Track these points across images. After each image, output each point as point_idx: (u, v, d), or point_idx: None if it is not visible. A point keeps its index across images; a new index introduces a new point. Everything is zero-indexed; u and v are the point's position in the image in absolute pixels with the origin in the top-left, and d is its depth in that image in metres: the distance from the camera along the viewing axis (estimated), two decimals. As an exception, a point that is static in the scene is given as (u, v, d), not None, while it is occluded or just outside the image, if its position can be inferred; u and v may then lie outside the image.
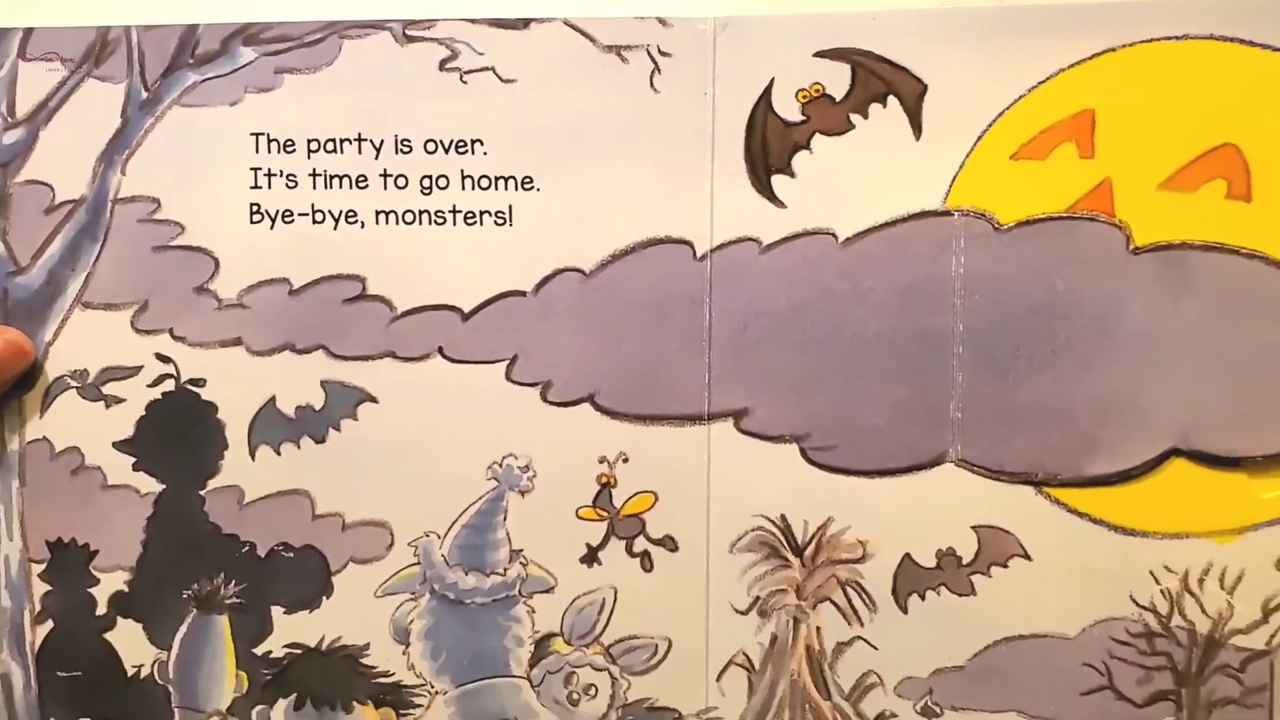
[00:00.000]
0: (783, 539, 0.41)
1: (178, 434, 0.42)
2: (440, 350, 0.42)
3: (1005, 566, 0.40)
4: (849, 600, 0.41)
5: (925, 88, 0.40)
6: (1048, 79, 0.40)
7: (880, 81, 0.40)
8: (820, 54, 0.40)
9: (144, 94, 0.42)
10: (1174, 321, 0.39)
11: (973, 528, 0.40)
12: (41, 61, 0.42)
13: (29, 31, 0.42)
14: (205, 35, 0.42)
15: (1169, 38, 0.39)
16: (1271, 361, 0.39)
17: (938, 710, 0.41)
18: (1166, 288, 0.39)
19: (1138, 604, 0.40)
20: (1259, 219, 0.39)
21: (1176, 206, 0.39)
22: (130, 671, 0.43)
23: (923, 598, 0.40)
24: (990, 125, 0.40)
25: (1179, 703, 0.40)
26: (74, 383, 0.42)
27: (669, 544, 0.41)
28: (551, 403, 0.41)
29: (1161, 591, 0.39)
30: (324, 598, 0.42)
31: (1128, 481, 0.39)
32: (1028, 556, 0.40)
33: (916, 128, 0.40)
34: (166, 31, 0.42)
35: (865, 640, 0.41)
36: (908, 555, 0.40)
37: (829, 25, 0.40)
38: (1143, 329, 0.39)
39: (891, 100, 0.40)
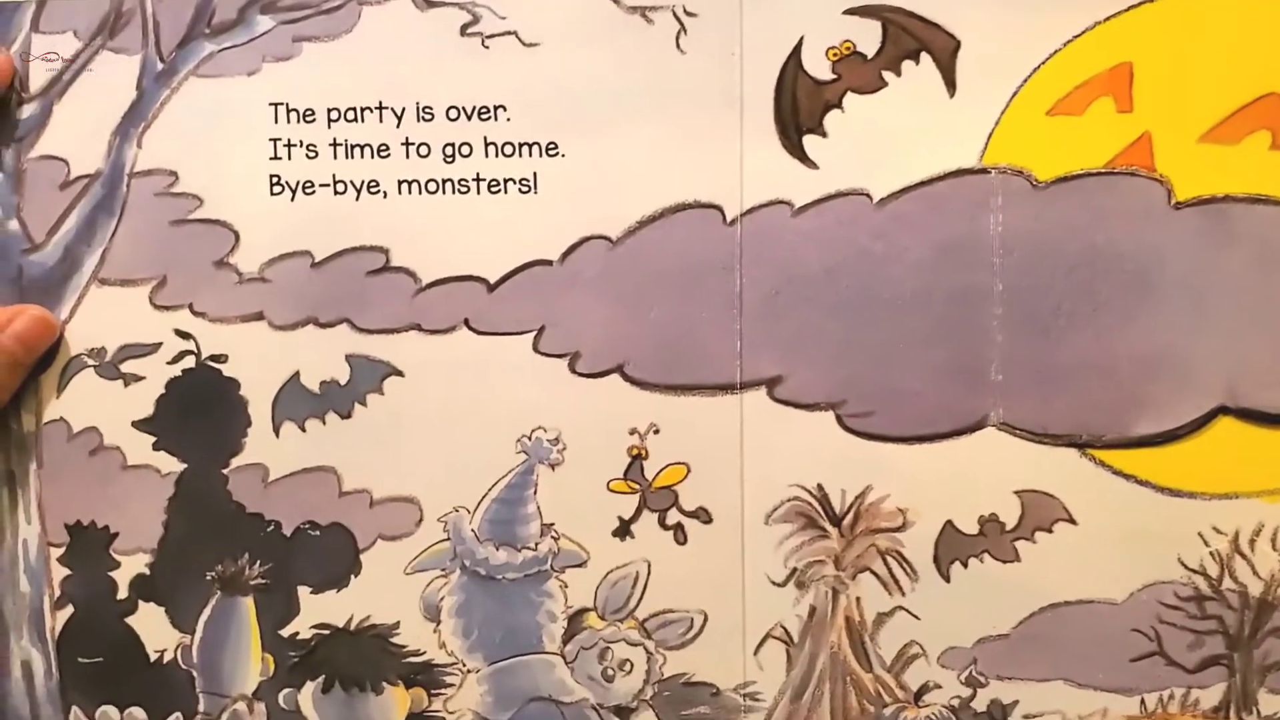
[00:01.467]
0: (820, 509, 0.40)
1: (199, 412, 0.42)
2: (466, 322, 0.41)
3: (1050, 531, 0.40)
4: (889, 570, 0.40)
5: (958, 43, 0.40)
6: (1084, 32, 0.39)
7: (912, 38, 0.40)
8: (850, 11, 0.40)
9: (159, 65, 0.42)
10: (1218, 276, 0.39)
11: (1015, 492, 0.40)
12: (54, 35, 0.42)
13: (42, 4, 0.42)
14: (221, 4, 0.42)
15: None
16: None
17: (983, 680, 0.40)
18: (1210, 242, 0.39)
19: (1187, 567, 0.39)
20: None
21: (1218, 159, 0.39)
22: (153, 656, 0.42)
23: (965, 565, 0.40)
24: (1026, 81, 0.39)
25: (1231, 667, 0.39)
26: (91, 361, 0.42)
27: (703, 516, 0.41)
28: (580, 374, 0.41)
29: (1211, 554, 0.39)
30: (352, 576, 0.42)
31: (1174, 441, 0.39)
32: (1073, 521, 0.39)
33: (950, 84, 0.40)
34: (182, 1, 0.42)
35: (907, 610, 0.40)
36: (949, 522, 0.40)
37: None
38: (1186, 284, 0.39)
39: (924, 57, 0.40)
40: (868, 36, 0.40)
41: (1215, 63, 0.39)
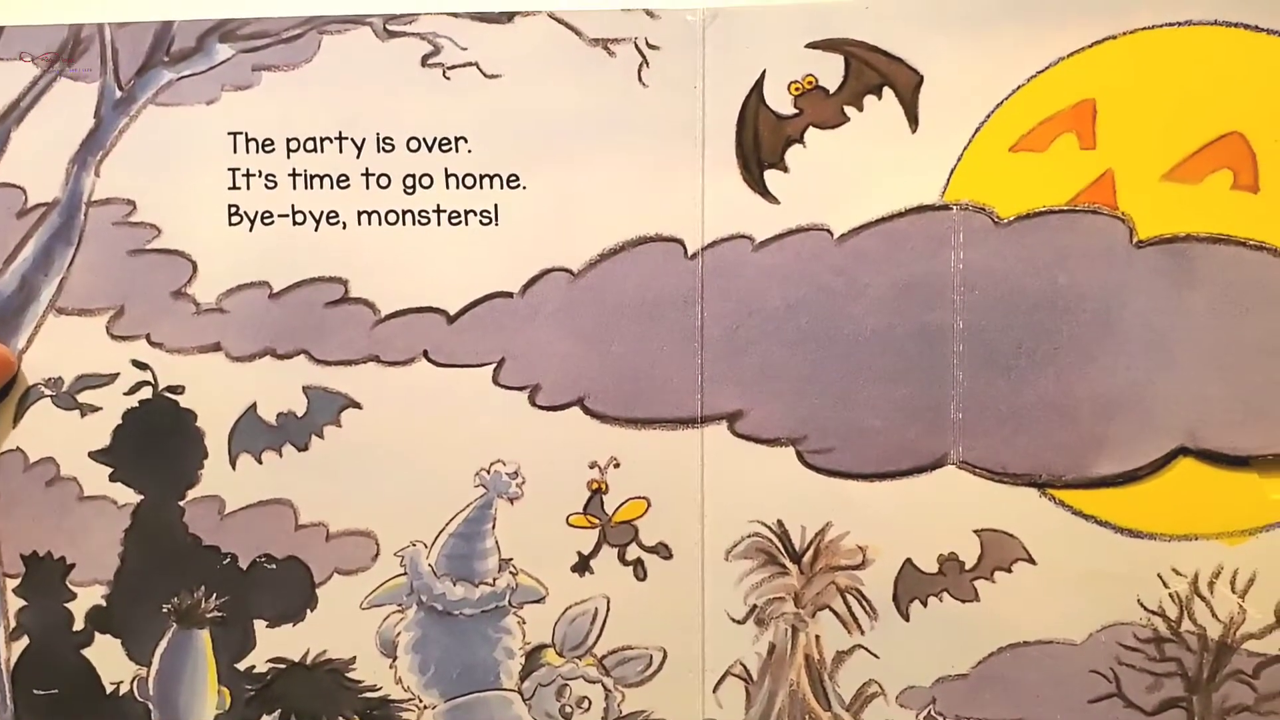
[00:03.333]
0: (780, 545, 0.41)
1: (156, 443, 0.42)
2: (425, 354, 0.41)
3: (1009, 571, 0.40)
4: (849, 607, 0.40)
5: (921, 78, 0.40)
6: (1047, 68, 0.39)
7: (875, 72, 0.40)
8: (812, 45, 0.40)
9: (118, 93, 0.42)
10: (1179, 316, 0.39)
11: (975, 531, 0.40)
12: (11, 62, 0.42)
13: None
14: (180, 32, 0.42)
15: (1172, 24, 0.39)
16: (1279, 356, 0.38)
17: None
18: (1171, 281, 0.39)
19: (1146, 608, 0.39)
20: (1266, 210, 0.38)
21: (1181, 198, 0.39)
22: (109, 688, 0.42)
23: (925, 604, 0.40)
24: (988, 117, 0.40)
25: (1190, 710, 0.39)
26: (48, 391, 0.42)
27: (663, 551, 0.41)
28: (540, 407, 0.41)
29: (1170, 595, 0.39)
30: (308, 610, 0.42)
31: (1134, 482, 0.39)
32: (1032, 560, 0.39)
33: (913, 120, 0.40)
34: (140, 28, 0.42)
35: (866, 649, 0.40)
36: (909, 560, 0.40)
37: (821, 15, 0.40)
38: (1147, 324, 0.39)
39: (886, 92, 0.40)
40: (830, 71, 0.40)
41: (1178, 100, 0.39)
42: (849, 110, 0.40)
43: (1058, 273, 0.39)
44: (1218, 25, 0.38)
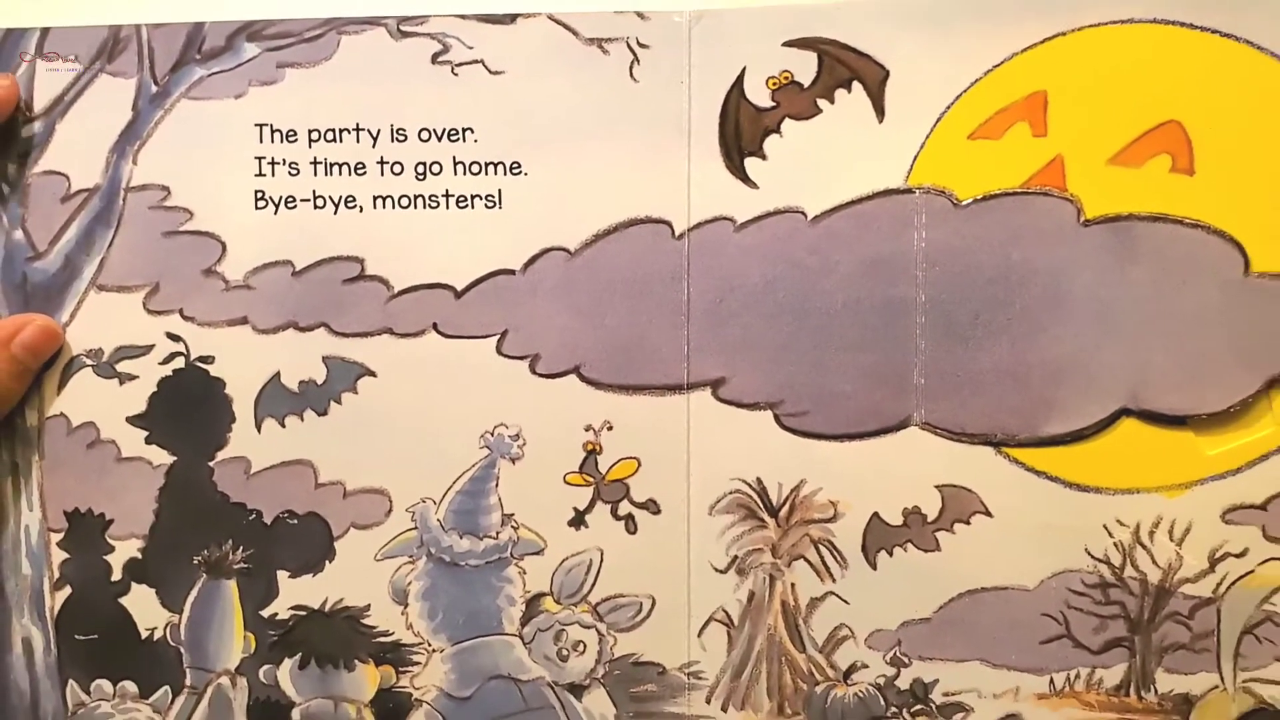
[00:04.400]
0: (759, 501, 0.43)
1: (188, 409, 0.44)
2: (435, 326, 0.43)
3: (967, 523, 0.42)
4: (821, 558, 0.43)
5: (887, 73, 0.42)
6: (1002, 63, 0.41)
7: (845, 68, 0.42)
8: (788, 43, 0.42)
9: (154, 88, 0.44)
10: (1122, 289, 0.41)
11: (936, 487, 0.42)
12: (57, 60, 0.44)
13: (45, 31, 0.44)
14: (211, 32, 0.44)
15: (1116, 22, 0.41)
16: (1214, 325, 0.40)
17: (906, 660, 0.42)
18: (1115, 257, 0.41)
19: (1092, 556, 0.41)
20: (1201, 191, 0.40)
21: (1124, 181, 0.41)
22: (144, 634, 0.44)
23: (890, 554, 0.42)
24: (949, 107, 0.42)
25: (1132, 648, 0.41)
26: (89, 361, 0.44)
27: (652, 507, 0.43)
28: (540, 374, 0.43)
29: (1114, 544, 0.41)
30: (327, 562, 0.44)
31: (1081, 440, 0.41)
32: (988, 513, 0.41)
33: (879, 111, 0.42)
34: (174, 29, 0.44)
35: (837, 595, 0.43)
36: (876, 514, 0.42)
37: (796, 16, 0.42)
38: (1093, 296, 0.41)
39: (856, 85, 0.42)
40: (804, 67, 0.42)
41: (1122, 91, 0.41)
42: (821, 103, 0.42)
43: (1011, 250, 0.41)
44: (1158, 23, 0.40)
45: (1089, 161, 0.41)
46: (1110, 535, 0.41)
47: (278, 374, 0.44)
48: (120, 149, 0.44)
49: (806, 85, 0.42)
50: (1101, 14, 0.41)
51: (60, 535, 0.44)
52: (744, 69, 0.43)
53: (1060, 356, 0.41)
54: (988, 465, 0.42)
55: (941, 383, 0.42)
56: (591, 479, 0.43)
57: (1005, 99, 0.41)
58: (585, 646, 0.44)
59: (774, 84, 0.42)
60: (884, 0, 0.42)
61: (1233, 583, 0.41)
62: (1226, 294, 0.40)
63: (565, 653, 0.44)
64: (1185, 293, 0.40)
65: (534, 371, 0.43)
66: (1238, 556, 0.41)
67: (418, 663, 0.44)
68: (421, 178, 0.43)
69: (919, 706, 0.42)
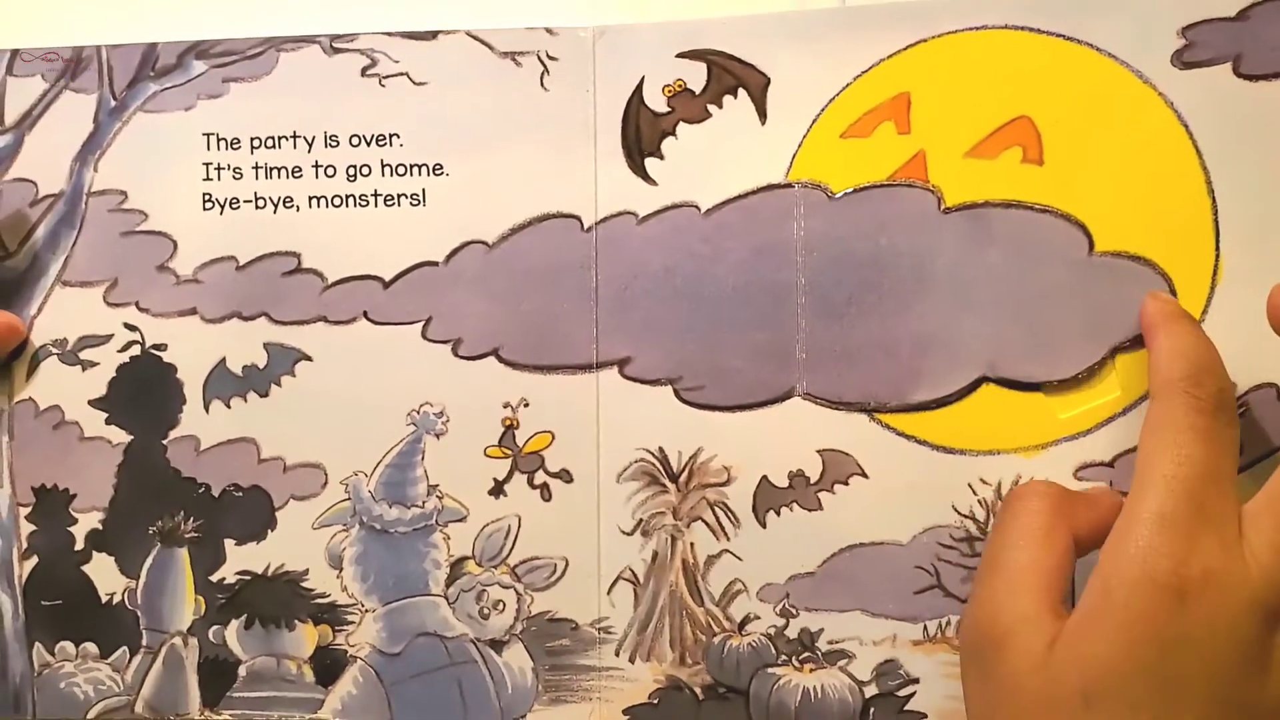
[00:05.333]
0: (661, 468, 0.45)
1: (143, 392, 0.46)
2: (365, 314, 0.45)
3: (846, 484, 0.43)
4: (717, 519, 0.45)
5: (769, 80, 0.44)
6: (869, 68, 0.44)
7: (731, 76, 0.45)
8: (681, 55, 0.45)
9: (113, 102, 0.47)
10: (980, 269, 0.43)
11: (818, 451, 0.44)
12: (25, 78, 0.48)
13: (15, 52, 0.48)
14: (164, 52, 0.47)
15: (970, 29, 0.43)
16: (1062, 300, 0.42)
17: (794, 612, 0.44)
18: (973, 241, 0.43)
19: (959, 513, 0.43)
20: (1050, 180, 0.42)
21: (980, 172, 0.43)
22: (104, 599, 0.46)
23: (778, 514, 0.44)
24: (823, 110, 0.44)
25: None
26: (55, 350, 0.47)
27: (565, 476, 0.45)
28: (461, 357, 0.45)
29: (979, 501, 0.43)
30: (269, 531, 0.46)
31: (945, 406, 0.43)
32: (865, 475, 0.43)
33: (762, 114, 0.45)
34: (131, 49, 0.47)
35: (731, 553, 0.44)
36: (765, 477, 0.44)
37: (688, 30, 0.45)
38: (954, 276, 0.43)
39: (741, 92, 0.45)
40: (696, 76, 0.45)
41: (978, 91, 0.43)
42: (711, 108, 0.45)
43: (880, 236, 0.43)
44: (1009, 29, 0.43)
45: (948, 155, 0.43)
46: (974, 493, 0.43)
47: (223, 359, 0.46)
48: (83, 158, 0.47)
49: (698, 92, 0.45)
50: (958, 21, 0.43)
51: (28, 509, 0.46)
52: (643, 78, 0.45)
53: (926, 331, 0.43)
54: (863, 431, 0.43)
55: (820, 357, 0.44)
56: (509, 451, 0.45)
57: (873, 101, 0.44)
58: (505, 605, 0.45)
59: (669, 91, 0.45)
60: (765, 15, 0.45)
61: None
62: (1073, 272, 0.42)
63: (486, 611, 0.45)
64: (1036, 271, 0.42)
65: (456, 354, 0.45)
66: (1090, 509, 0.42)
67: (352, 622, 0.46)
68: (352, 179, 0.46)
69: (806, 654, 0.44)
